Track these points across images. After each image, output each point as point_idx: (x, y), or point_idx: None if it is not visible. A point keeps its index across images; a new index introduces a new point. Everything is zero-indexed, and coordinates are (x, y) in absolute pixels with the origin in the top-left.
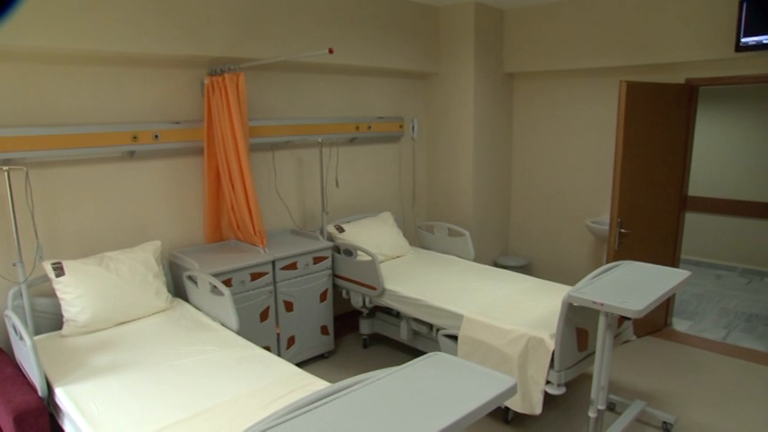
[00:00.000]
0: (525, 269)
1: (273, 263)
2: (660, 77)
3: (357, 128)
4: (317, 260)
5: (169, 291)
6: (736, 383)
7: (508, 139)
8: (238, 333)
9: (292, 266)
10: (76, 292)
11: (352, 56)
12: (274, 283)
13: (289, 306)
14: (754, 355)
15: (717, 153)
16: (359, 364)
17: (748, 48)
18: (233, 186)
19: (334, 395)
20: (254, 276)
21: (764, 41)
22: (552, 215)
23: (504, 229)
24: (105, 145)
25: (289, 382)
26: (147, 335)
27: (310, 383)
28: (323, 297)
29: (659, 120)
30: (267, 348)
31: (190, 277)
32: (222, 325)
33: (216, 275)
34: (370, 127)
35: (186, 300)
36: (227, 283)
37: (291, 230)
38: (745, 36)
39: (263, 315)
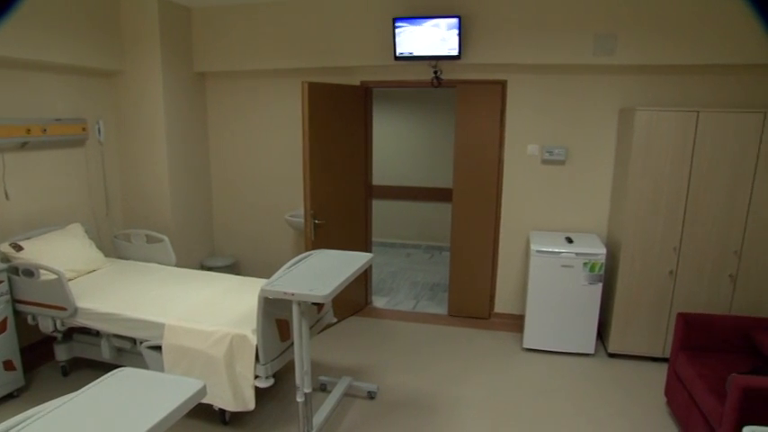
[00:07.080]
0: (232, 268)
1: None
2: (340, 79)
3: (29, 131)
4: None
5: None
6: (424, 345)
7: (204, 140)
8: None
9: None
10: None
11: (4, 46)
12: None
13: None
14: (437, 319)
15: (396, 146)
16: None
17: (403, 58)
18: None
19: None
20: None
21: (414, 54)
22: (254, 212)
23: (208, 230)
24: None
25: None
26: None
27: None
28: (2, 328)
29: (341, 117)
30: None
31: None
32: None
33: None
34: (45, 130)
35: None
36: None
37: None
38: (399, 48)
39: None
